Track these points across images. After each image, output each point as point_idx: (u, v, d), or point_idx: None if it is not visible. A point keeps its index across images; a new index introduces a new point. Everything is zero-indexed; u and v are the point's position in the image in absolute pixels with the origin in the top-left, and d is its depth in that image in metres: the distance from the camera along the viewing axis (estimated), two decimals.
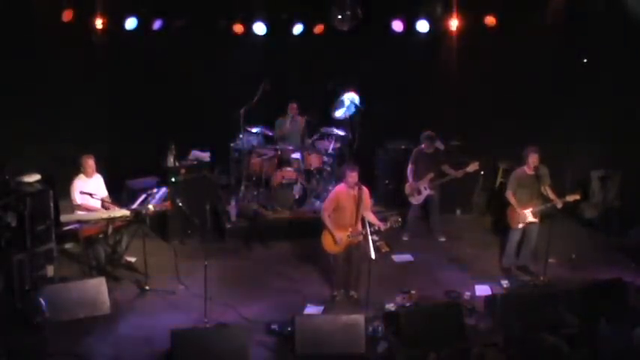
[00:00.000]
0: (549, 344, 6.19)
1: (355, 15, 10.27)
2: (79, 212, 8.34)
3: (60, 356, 6.81)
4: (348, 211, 7.89)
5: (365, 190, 7.97)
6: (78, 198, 8.36)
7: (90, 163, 8.53)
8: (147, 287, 8.30)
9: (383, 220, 8.07)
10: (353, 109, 10.62)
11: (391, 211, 10.02)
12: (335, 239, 7.91)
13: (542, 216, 8.73)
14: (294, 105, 10.85)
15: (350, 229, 7.90)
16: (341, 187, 7.99)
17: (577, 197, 8.58)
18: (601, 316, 6.87)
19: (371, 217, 7.99)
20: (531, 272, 8.87)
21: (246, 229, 10.00)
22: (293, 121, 10.91)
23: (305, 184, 10.28)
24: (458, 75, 11.11)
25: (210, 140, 10.63)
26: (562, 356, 6.10)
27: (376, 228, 7.88)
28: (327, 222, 7.92)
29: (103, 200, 8.50)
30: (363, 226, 7.87)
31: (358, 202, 7.86)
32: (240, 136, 10.51)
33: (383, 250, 9.48)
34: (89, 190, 8.38)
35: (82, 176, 8.50)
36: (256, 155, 10.55)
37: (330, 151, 10.63)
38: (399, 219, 8.12)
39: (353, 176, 7.82)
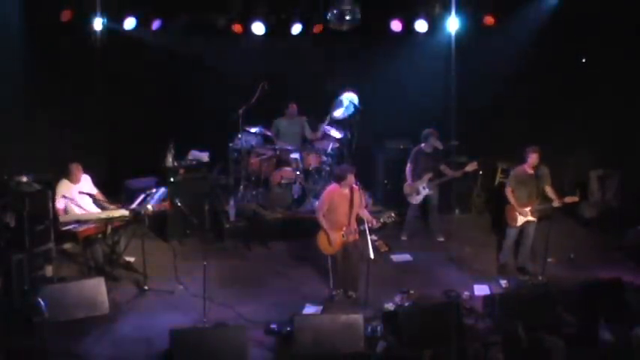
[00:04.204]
0: (548, 344, 6.18)
1: (354, 15, 10.26)
2: (64, 215, 8.25)
3: (59, 356, 6.81)
4: (342, 211, 7.90)
5: (357, 188, 7.97)
6: (60, 203, 8.23)
7: (78, 171, 8.44)
8: (146, 287, 8.30)
9: (377, 218, 8.08)
10: (352, 109, 10.61)
11: (390, 211, 10.02)
12: (329, 240, 7.91)
13: (541, 216, 8.73)
14: (294, 105, 10.84)
15: (344, 229, 7.91)
16: (333, 187, 7.99)
17: (575, 199, 8.61)
18: (600, 315, 6.87)
19: (365, 214, 7.99)
20: (529, 272, 8.87)
21: (245, 229, 9.99)
22: (292, 121, 10.90)
23: (304, 184, 10.28)
24: (457, 75, 11.11)
25: (209, 140, 10.63)
26: (561, 356, 6.09)
27: (369, 225, 7.84)
28: (322, 222, 7.93)
29: (95, 197, 8.47)
30: (361, 224, 7.87)
31: (351, 201, 7.86)
32: (239, 136, 10.50)
33: (382, 250, 9.48)
34: (74, 195, 8.33)
35: (65, 181, 8.37)
36: (255, 155, 10.54)
37: (328, 151, 10.63)
38: (393, 214, 8.14)
39: (352, 178, 7.84)
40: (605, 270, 8.81)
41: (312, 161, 10.57)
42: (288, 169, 10.34)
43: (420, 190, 9.77)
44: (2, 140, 9.36)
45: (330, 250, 8.01)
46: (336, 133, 10.68)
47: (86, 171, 8.62)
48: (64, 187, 8.36)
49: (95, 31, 10.47)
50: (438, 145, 9.93)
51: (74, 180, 8.43)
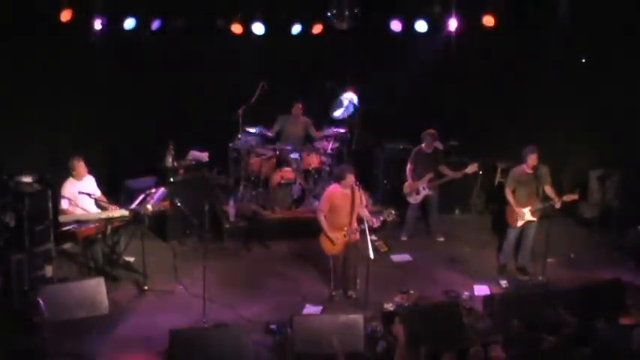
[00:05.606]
0: (548, 344, 6.18)
1: (354, 15, 10.26)
2: (70, 214, 8.22)
3: (58, 356, 6.80)
4: (343, 212, 7.89)
5: (358, 188, 7.96)
6: (64, 203, 8.21)
7: (81, 165, 8.38)
8: (145, 287, 8.31)
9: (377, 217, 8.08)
10: (352, 109, 10.62)
11: (390, 209, 10.03)
12: (332, 240, 7.91)
13: (541, 216, 8.73)
14: (300, 105, 10.81)
15: (346, 229, 7.91)
16: (334, 188, 7.98)
17: (575, 197, 8.60)
18: (600, 316, 6.87)
19: (365, 214, 7.99)
20: (529, 273, 8.87)
21: (244, 229, 9.99)
22: (296, 121, 10.89)
23: (303, 184, 10.28)
24: (457, 75, 11.11)
25: (208, 140, 10.63)
26: (560, 356, 6.09)
27: (369, 225, 7.79)
28: (323, 223, 7.92)
29: (97, 199, 8.45)
30: (361, 224, 7.86)
31: (352, 201, 7.86)
32: (239, 136, 10.50)
33: (382, 250, 9.48)
34: (76, 194, 8.28)
35: (71, 179, 8.34)
36: (255, 155, 10.54)
37: (328, 151, 10.62)
38: (393, 212, 8.14)
39: (351, 178, 7.82)
40: (605, 270, 8.82)
41: (312, 161, 10.56)
42: (288, 169, 10.33)
43: (420, 190, 9.77)
44: (2, 140, 9.35)
45: (334, 250, 8.01)
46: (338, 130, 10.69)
47: (88, 171, 8.59)
48: (69, 186, 8.32)
49: (95, 31, 10.46)
50: (438, 145, 9.94)
51: (78, 176, 8.36)
